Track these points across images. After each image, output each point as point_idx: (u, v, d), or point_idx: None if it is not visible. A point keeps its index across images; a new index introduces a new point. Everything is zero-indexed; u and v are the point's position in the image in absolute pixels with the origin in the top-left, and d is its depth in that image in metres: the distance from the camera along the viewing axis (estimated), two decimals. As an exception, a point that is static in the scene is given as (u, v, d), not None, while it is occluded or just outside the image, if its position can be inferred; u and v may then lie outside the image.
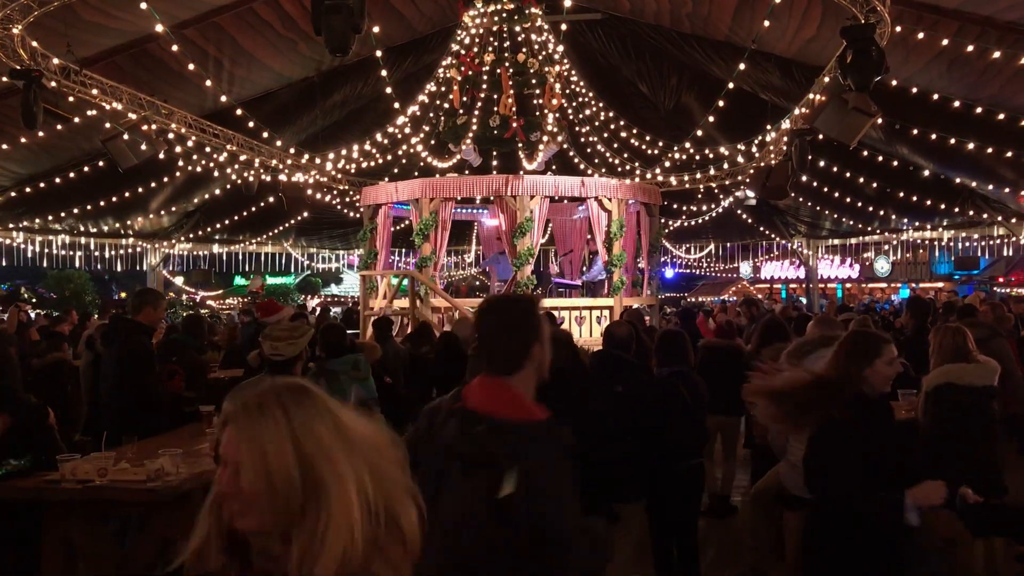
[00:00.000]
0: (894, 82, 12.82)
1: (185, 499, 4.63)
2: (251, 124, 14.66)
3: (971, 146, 13.98)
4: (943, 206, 17.86)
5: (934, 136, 14.21)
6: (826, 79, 12.02)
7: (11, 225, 17.80)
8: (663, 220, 18.10)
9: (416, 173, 16.24)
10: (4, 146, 13.82)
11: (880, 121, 11.88)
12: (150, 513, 4.62)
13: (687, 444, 5.15)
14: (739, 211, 20.71)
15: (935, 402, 5.16)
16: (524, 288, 12.93)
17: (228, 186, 17.71)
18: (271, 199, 17.68)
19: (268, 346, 4.85)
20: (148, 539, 4.70)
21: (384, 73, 14.71)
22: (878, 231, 21.45)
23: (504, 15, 14.61)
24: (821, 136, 12.04)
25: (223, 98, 14.21)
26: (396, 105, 15.36)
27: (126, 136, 11.87)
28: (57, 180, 15.64)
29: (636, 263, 14.65)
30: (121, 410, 5.99)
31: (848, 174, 16.89)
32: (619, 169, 16.70)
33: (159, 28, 11.10)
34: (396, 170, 17.19)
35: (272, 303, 9.57)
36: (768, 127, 14.88)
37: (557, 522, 2.32)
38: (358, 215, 17.17)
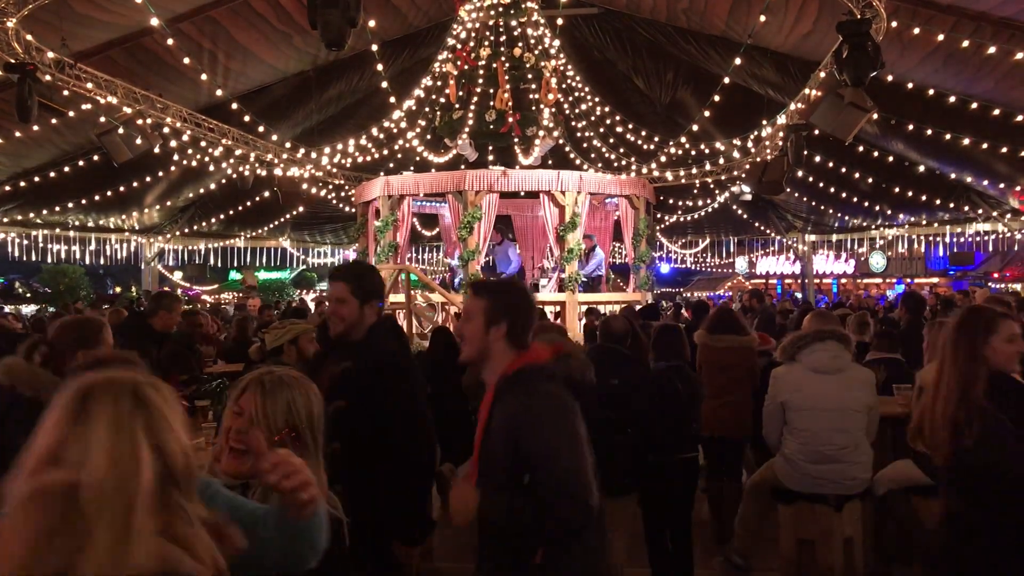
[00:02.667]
0: (890, 77, 12.84)
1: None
2: (246, 118, 14.63)
3: (966, 141, 14.01)
4: (939, 201, 17.90)
5: (930, 131, 14.23)
6: (822, 74, 12.02)
7: (5, 219, 17.77)
8: (659, 215, 18.18)
9: (412, 168, 16.23)
10: (-1, 140, 13.80)
11: (876, 116, 11.89)
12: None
13: (681, 437, 5.17)
14: (735, 206, 20.74)
15: (929, 396, 5.17)
16: (571, 284, 13.14)
17: (223, 180, 17.70)
18: (266, 194, 17.65)
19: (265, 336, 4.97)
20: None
21: (380, 67, 14.68)
22: (874, 226, 21.49)
23: (500, 9, 14.62)
24: (817, 131, 12.05)
25: (218, 92, 14.17)
26: (392, 100, 15.34)
27: (121, 130, 11.85)
28: (52, 174, 15.62)
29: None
30: None
31: (844, 169, 16.91)
32: (615, 164, 16.71)
33: (154, 22, 11.05)
34: (392, 164, 17.17)
35: None
36: (764, 122, 14.88)
37: None
38: (354, 210, 17.14)
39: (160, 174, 16.89)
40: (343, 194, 19.35)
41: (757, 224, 23.27)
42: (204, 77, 13.36)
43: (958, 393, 3.09)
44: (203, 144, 14.87)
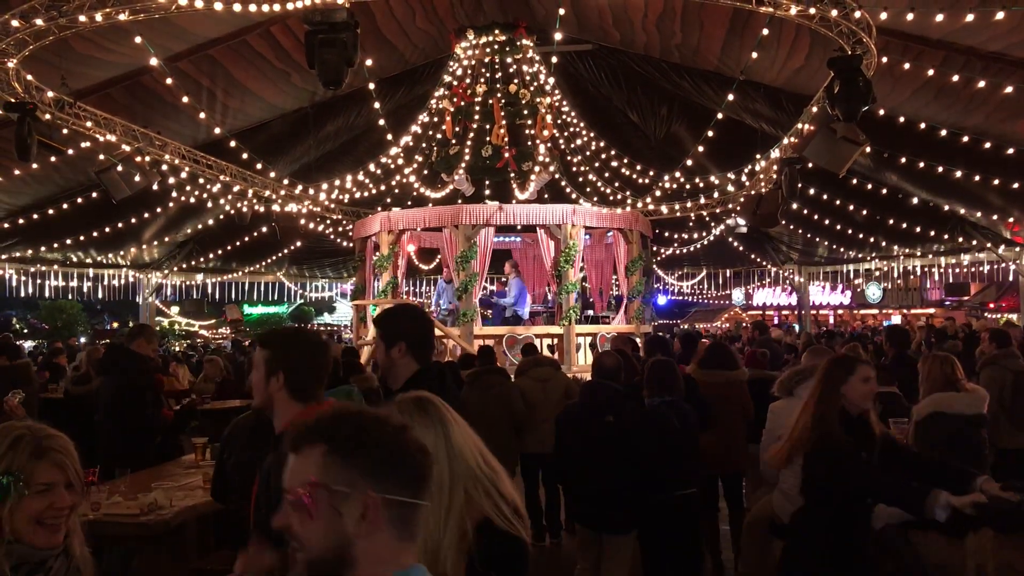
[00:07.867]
0: (881, 111, 12.95)
1: (179, 533, 4.62)
2: (244, 155, 14.73)
3: (959, 174, 14.11)
4: (933, 232, 17.99)
5: (922, 164, 14.33)
6: (814, 109, 12.13)
7: (4, 256, 17.79)
8: (656, 248, 18.29)
9: (409, 203, 16.32)
10: (-2, 178, 13.86)
11: (868, 149, 11.98)
12: (144, 547, 4.61)
13: (678, 473, 5.16)
14: (731, 239, 20.83)
15: (924, 431, 5.20)
16: (638, 319, 13.84)
17: (221, 216, 17.77)
18: (264, 229, 17.72)
19: None
20: (143, 574, 4.68)
21: (377, 105, 14.82)
22: (869, 258, 21.57)
23: (496, 47, 14.80)
24: (811, 164, 12.14)
25: (217, 129, 14.27)
26: (389, 136, 15.46)
27: (120, 167, 11.91)
28: (51, 211, 15.66)
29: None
30: (117, 438, 6.06)
31: (838, 201, 17.01)
32: (610, 198, 16.81)
33: (153, 61, 11.16)
34: (389, 200, 17.27)
35: None
36: (758, 156, 15.00)
37: None
38: (351, 244, 17.20)
39: (159, 210, 16.94)
40: (340, 229, 19.43)
41: (753, 256, 23.37)
42: (202, 115, 13.46)
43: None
44: (201, 181, 14.96)
